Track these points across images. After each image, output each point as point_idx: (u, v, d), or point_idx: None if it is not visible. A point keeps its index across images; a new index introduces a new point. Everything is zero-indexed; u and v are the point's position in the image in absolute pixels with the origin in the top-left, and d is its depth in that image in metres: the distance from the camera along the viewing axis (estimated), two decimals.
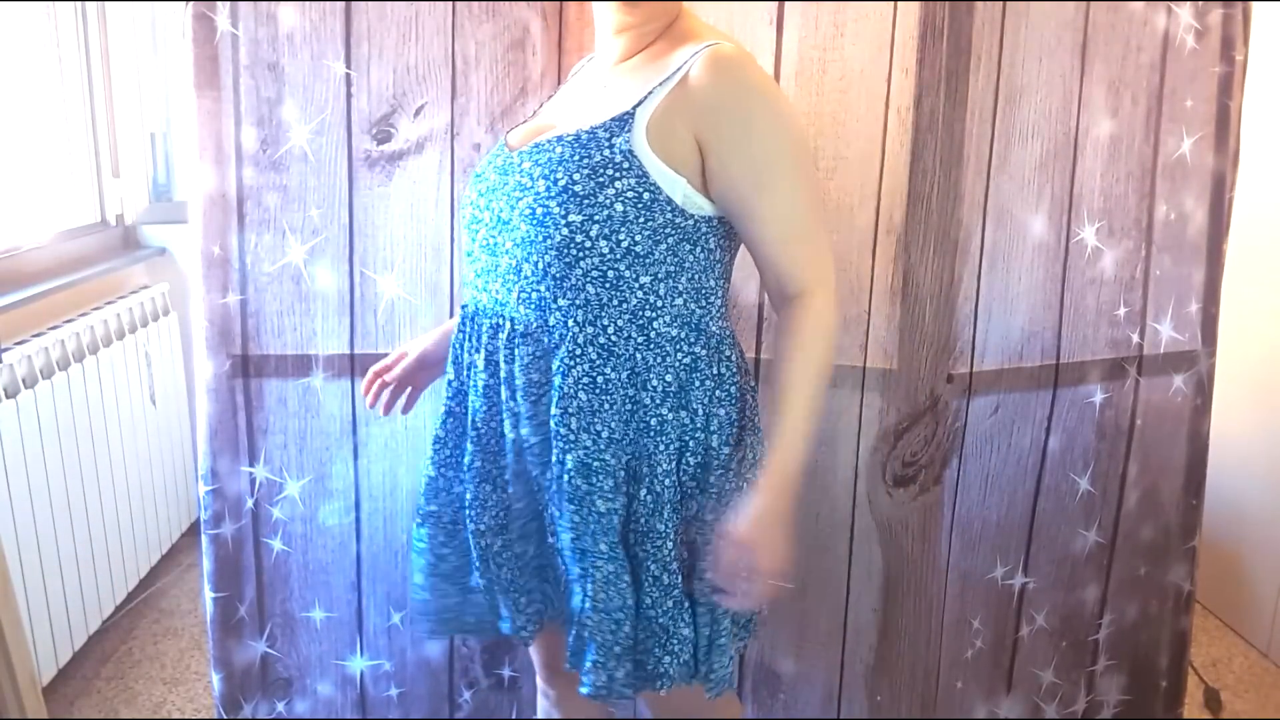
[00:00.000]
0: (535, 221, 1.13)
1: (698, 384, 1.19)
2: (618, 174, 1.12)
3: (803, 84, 1.54)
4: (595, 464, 1.17)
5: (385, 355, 1.64)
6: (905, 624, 1.68)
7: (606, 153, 1.12)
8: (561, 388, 1.17)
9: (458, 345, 1.28)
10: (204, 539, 1.64)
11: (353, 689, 1.76)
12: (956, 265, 1.56)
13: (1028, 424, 1.67)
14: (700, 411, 1.19)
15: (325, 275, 1.60)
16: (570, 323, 1.16)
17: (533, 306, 1.17)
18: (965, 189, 1.54)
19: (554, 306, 1.16)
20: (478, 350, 1.23)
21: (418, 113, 1.57)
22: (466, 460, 1.26)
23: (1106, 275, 1.66)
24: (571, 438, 1.17)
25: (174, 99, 2.71)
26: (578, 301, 1.15)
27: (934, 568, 1.66)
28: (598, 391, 1.17)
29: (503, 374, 1.21)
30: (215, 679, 1.70)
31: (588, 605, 1.19)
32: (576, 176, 1.12)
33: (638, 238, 1.13)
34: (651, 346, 1.17)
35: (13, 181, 2.23)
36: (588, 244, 1.13)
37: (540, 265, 1.15)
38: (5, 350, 1.88)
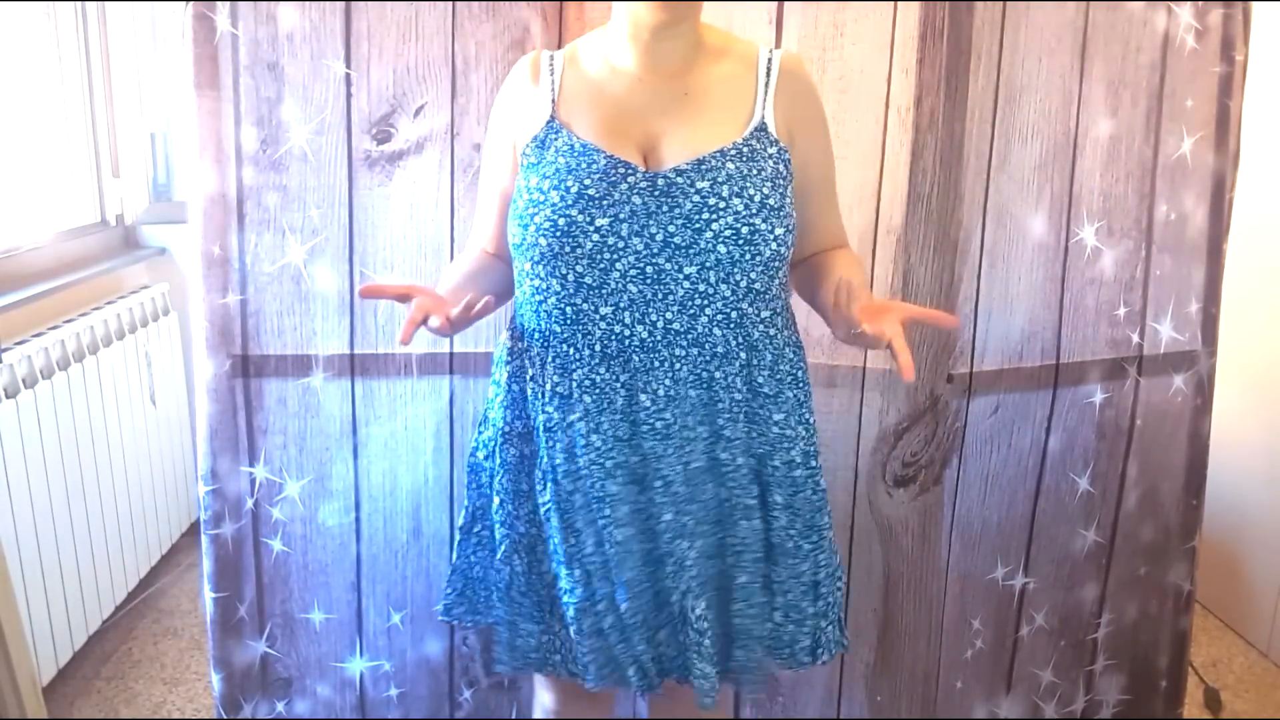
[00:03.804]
0: (741, 241, 1.12)
1: (803, 369, 1.26)
2: (785, 182, 1.16)
3: None
4: (812, 449, 1.24)
5: (386, 355, 1.64)
6: (905, 624, 1.68)
7: (772, 163, 1.15)
8: (779, 393, 1.20)
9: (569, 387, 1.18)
10: (204, 539, 1.64)
11: (352, 690, 1.76)
12: (956, 265, 1.56)
13: (1028, 424, 1.67)
14: (808, 393, 1.26)
15: (325, 275, 1.60)
16: (771, 330, 1.19)
17: (732, 326, 1.16)
18: (965, 189, 1.54)
19: (757, 320, 1.18)
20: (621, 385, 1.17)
21: (418, 113, 1.57)
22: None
23: (1106, 275, 1.66)
24: (792, 434, 1.21)
25: (174, 99, 2.71)
26: (776, 309, 1.20)
27: (934, 568, 1.66)
28: (798, 385, 1.22)
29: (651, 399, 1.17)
30: (215, 679, 1.70)
31: (823, 575, 1.24)
32: (766, 190, 1.14)
33: (792, 240, 1.18)
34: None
35: (13, 181, 2.23)
36: (785, 253, 1.16)
37: (744, 283, 1.14)
38: (5, 350, 1.88)
